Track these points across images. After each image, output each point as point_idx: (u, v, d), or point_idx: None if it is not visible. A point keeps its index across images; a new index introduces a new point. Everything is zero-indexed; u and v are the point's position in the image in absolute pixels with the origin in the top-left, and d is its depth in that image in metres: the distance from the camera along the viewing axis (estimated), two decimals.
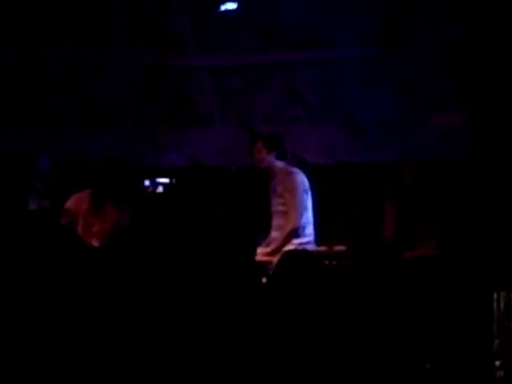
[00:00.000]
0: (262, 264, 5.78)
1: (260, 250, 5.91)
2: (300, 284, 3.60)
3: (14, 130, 8.07)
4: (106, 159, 6.21)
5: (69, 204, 6.06)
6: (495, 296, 4.57)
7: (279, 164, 6.18)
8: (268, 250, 5.99)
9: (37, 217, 6.43)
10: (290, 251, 4.28)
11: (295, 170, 6.21)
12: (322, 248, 6.22)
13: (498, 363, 4.32)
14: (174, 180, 7.35)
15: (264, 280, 5.63)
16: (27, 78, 8.12)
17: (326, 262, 5.69)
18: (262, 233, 6.12)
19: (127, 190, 6.18)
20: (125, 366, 3.09)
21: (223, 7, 7.88)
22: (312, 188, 6.19)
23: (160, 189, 7.14)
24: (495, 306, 4.54)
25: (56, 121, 8.15)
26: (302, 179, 6.14)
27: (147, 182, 7.06)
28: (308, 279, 3.62)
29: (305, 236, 6.07)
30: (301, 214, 6.04)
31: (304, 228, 6.07)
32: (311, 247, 6.07)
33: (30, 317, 3.08)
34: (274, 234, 6.10)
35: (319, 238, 6.24)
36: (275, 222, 6.13)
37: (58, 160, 6.65)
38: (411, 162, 6.51)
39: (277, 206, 6.12)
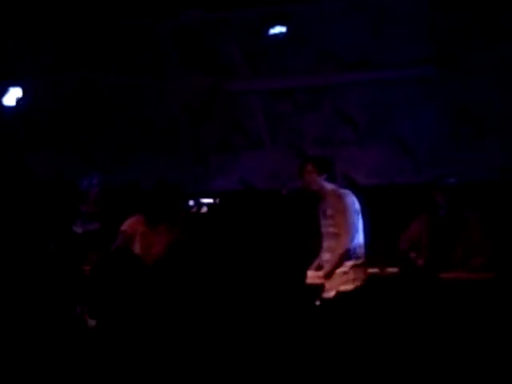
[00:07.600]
0: (315, 287, 5.79)
1: (312, 273, 5.93)
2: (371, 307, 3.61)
3: (69, 156, 8.22)
4: (159, 184, 6.39)
5: (125, 226, 6.27)
6: None
7: (329, 186, 6.18)
8: (320, 272, 6.01)
9: (80, 239, 6.62)
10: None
11: (346, 191, 6.19)
12: (374, 270, 6.20)
13: None
14: (217, 200, 7.39)
15: (317, 303, 5.65)
16: (80, 106, 8.27)
17: (378, 284, 5.69)
18: (312, 255, 6.13)
19: (180, 213, 6.36)
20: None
21: (272, 31, 7.92)
22: (363, 209, 6.17)
23: (204, 209, 7.19)
24: None
25: (110, 147, 8.28)
26: (353, 201, 6.12)
27: (191, 202, 7.13)
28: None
29: (358, 258, 6.03)
30: (352, 235, 6.00)
31: (356, 250, 6.03)
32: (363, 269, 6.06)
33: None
34: (326, 255, 6.08)
35: (371, 260, 6.22)
36: (326, 243, 6.10)
37: (104, 180, 6.82)
38: (444, 186, 6.53)
39: (327, 227, 6.10)
